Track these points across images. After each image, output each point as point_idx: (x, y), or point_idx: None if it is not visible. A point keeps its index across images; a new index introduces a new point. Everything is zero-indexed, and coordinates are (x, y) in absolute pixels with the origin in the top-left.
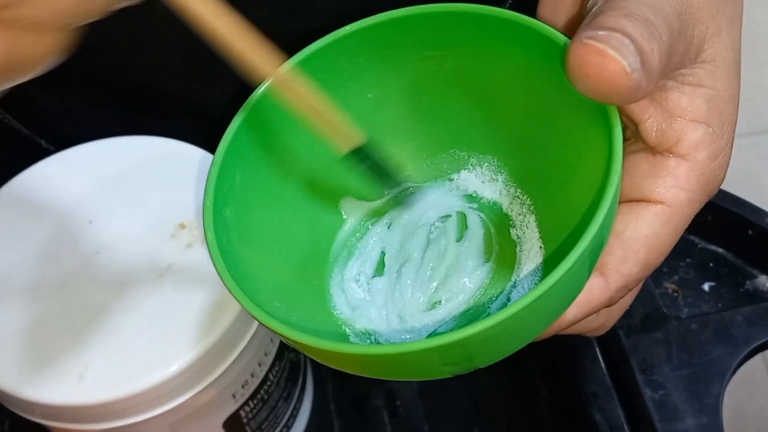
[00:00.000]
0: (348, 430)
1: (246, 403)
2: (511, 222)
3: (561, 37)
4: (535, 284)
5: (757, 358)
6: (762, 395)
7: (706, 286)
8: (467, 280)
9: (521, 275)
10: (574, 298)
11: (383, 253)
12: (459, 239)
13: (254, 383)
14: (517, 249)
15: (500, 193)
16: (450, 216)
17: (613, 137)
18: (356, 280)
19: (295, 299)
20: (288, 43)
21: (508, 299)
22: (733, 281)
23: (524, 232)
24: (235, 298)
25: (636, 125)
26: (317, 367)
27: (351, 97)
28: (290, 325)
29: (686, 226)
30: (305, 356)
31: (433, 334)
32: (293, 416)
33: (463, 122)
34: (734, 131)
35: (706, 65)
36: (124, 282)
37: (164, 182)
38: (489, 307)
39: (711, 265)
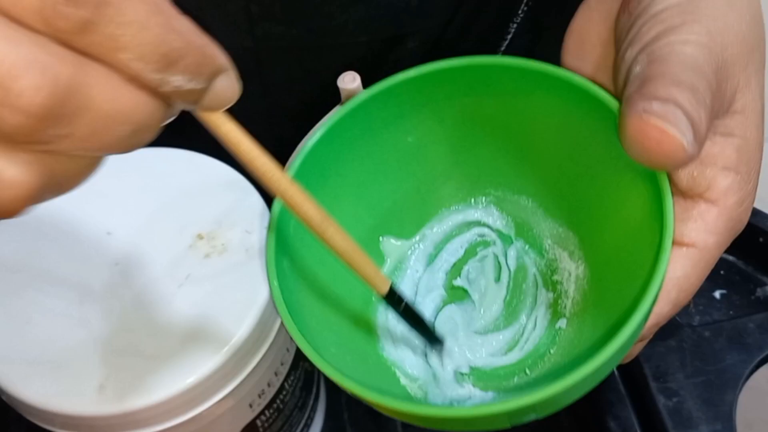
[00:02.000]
0: None
1: (262, 412)
2: (553, 264)
3: (596, 90)
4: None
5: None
6: None
7: (717, 294)
8: (510, 327)
9: (563, 319)
10: (621, 357)
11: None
12: (497, 280)
13: (270, 393)
14: (558, 293)
15: (535, 232)
16: (487, 257)
17: (665, 225)
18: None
19: (347, 342)
20: (309, 57)
21: (554, 343)
22: (744, 289)
23: (566, 276)
24: (305, 352)
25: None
26: None
27: (392, 141)
28: (347, 374)
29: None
30: None
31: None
32: (307, 425)
33: (500, 164)
34: (759, 175)
35: (736, 116)
36: (143, 293)
37: (182, 193)
38: (543, 356)
39: (722, 272)
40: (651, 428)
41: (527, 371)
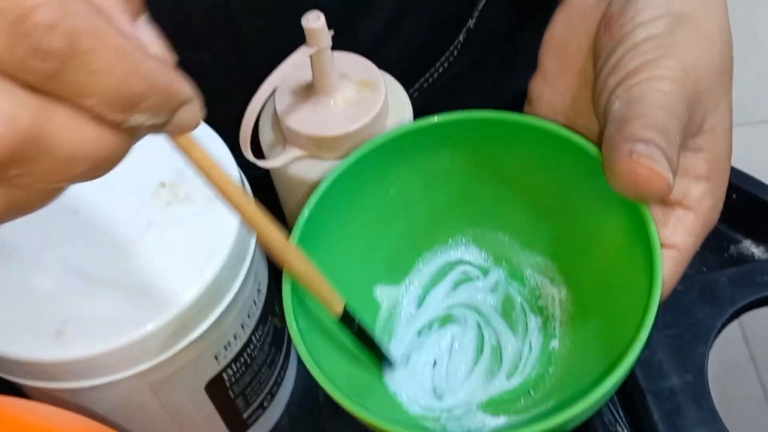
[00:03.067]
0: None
1: (229, 365)
2: (536, 291)
3: (567, 133)
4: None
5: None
6: (740, 358)
7: None
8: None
9: (555, 339)
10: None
11: (419, 332)
12: (488, 312)
13: (237, 345)
14: (546, 316)
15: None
16: (474, 292)
17: (654, 263)
18: (402, 364)
19: (360, 388)
20: (281, 14)
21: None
22: (717, 246)
23: (550, 301)
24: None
25: None
26: None
27: (377, 196)
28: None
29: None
30: None
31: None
32: (277, 384)
33: (476, 205)
34: (727, 182)
35: (706, 134)
36: (103, 240)
37: (144, 142)
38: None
39: None
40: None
41: (531, 392)
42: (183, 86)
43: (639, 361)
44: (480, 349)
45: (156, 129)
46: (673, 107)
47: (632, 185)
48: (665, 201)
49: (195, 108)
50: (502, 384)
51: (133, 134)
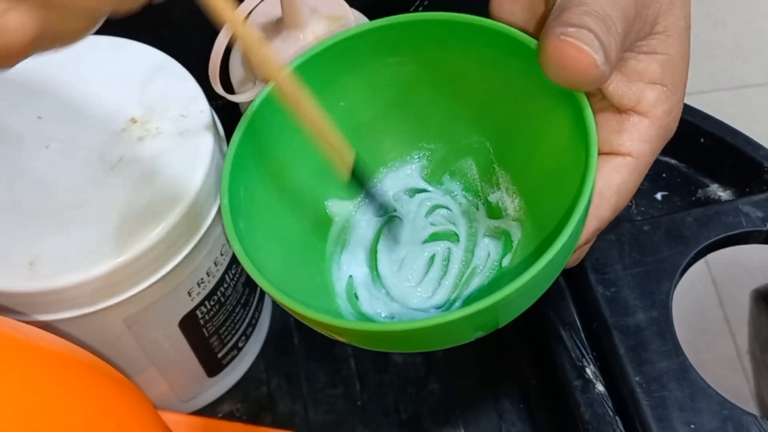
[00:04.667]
0: (308, 342)
1: (202, 303)
2: (487, 191)
3: (510, 30)
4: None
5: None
6: (705, 297)
7: (659, 195)
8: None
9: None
10: (569, 256)
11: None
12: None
13: (210, 282)
14: (498, 234)
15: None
16: (431, 206)
17: (589, 139)
18: (353, 273)
19: (305, 299)
20: None
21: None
22: (685, 190)
23: (504, 211)
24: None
25: (601, 90)
26: None
27: (326, 107)
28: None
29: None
30: None
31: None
32: (252, 325)
33: (428, 119)
34: (685, 88)
35: (659, 35)
36: (74, 174)
37: (116, 79)
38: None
39: (664, 175)
40: (589, 317)
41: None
42: None
43: (605, 297)
44: (431, 260)
45: None
46: None
47: (560, 68)
48: (618, 108)
49: None
50: (449, 293)
51: None
